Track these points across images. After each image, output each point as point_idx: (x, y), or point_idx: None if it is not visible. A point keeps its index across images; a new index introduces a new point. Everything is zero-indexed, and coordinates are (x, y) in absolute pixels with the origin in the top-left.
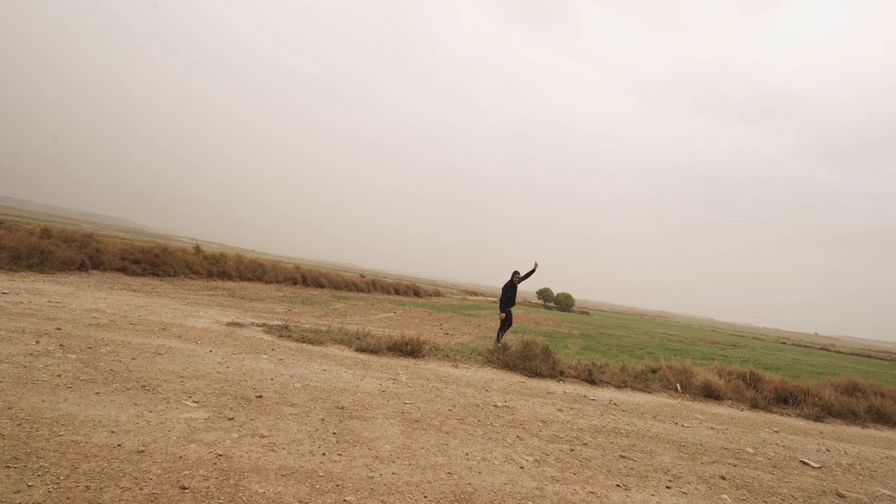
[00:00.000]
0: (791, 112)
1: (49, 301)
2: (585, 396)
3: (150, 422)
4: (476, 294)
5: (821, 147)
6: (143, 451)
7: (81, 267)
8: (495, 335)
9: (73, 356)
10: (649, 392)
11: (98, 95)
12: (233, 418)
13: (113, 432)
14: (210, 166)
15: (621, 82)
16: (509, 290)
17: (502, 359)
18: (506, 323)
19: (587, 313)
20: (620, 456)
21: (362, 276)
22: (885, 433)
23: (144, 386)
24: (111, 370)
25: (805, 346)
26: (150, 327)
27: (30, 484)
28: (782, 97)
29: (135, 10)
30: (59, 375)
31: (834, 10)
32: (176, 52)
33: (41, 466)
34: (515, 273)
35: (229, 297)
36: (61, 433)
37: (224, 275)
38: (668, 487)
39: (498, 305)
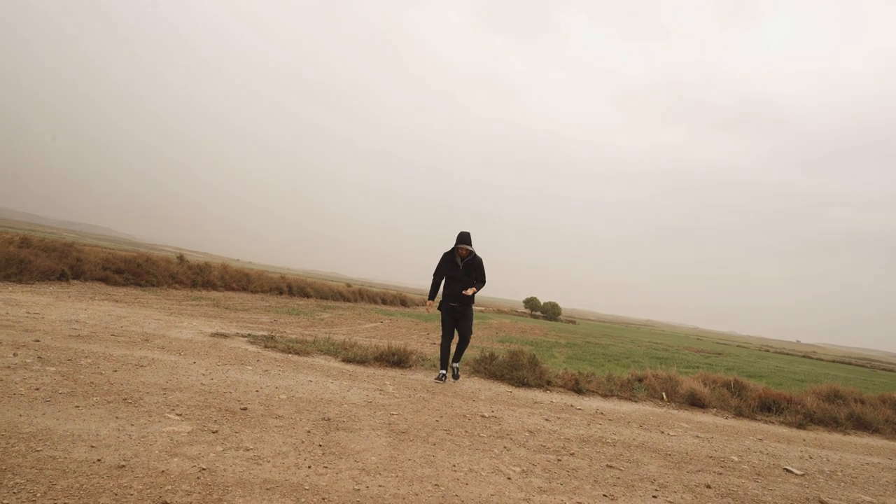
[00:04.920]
0: (770, 119)
1: (27, 312)
2: (572, 406)
3: (131, 436)
4: None
5: (799, 154)
6: (124, 465)
7: (62, 277)
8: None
9: (52, 369)
10: (635, 401)
11: (89, 94)
12: (217, 431)
13: (93, 447)
14: (199, 169)
15: (605, 90)
16: (446, 266)
17: (489, 368)
18: (449, 331)
19: (574, 322)
20: (607, 466)
21: (349, 285)
22: (865, 440)
23: (126, 399)
24: (91, 383)
25: (788, 354)
26: (132, 338)
27: (4, 502)
28: (761, 105)
29: (126, 10)
30: (37, 389)
31: (811, 22)
32: (168, 52)
33: (17, 483)
34: (463, 239)
35: (214, 308)
36: (39, 448)
37: (208, 284)
38: (654, 497)
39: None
